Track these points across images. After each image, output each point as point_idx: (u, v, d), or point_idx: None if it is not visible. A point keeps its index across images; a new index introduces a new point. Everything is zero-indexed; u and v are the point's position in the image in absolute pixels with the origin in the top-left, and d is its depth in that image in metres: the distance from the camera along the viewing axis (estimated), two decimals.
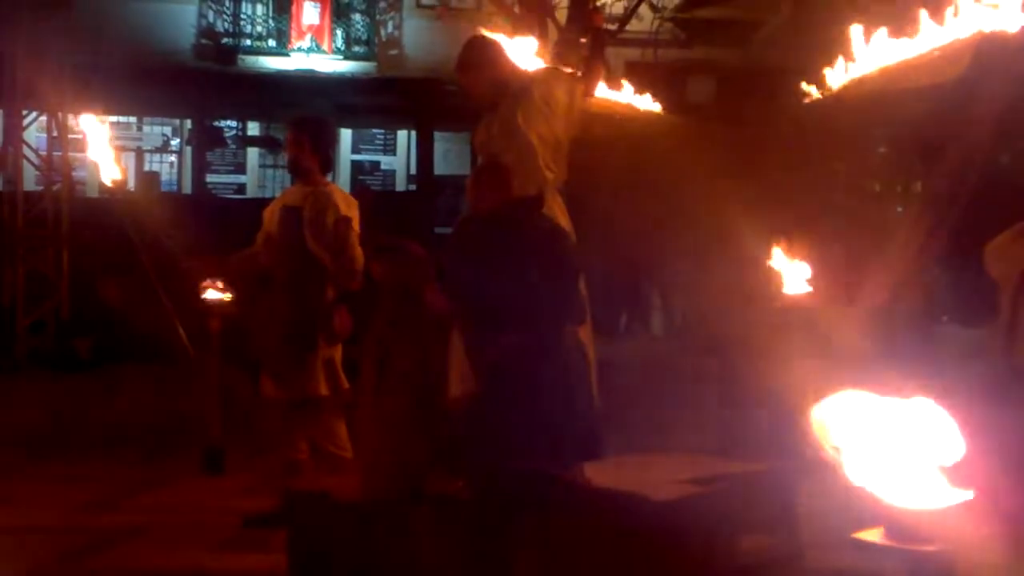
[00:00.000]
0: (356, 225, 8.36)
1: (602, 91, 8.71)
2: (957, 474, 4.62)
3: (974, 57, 7.25)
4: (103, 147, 9.38)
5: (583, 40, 9.26)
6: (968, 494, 4.60)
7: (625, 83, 9.69)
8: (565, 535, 5.87)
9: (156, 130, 29.32)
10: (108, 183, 9.51)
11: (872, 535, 4.70)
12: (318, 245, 8.27)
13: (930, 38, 6.17)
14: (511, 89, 7.91)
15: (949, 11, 5.96)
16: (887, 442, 4.56)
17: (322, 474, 7.99)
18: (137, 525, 8.43)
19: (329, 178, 8.89)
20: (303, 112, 9.18)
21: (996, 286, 7.00)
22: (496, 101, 7.92)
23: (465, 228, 6.95)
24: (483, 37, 8.33)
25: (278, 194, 9.94)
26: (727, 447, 8.64)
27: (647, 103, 9.17)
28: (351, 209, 8.38)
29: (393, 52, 28.32)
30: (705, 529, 6.23)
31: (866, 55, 6.65)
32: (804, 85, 8.78)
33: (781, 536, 6.83)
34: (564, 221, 7.64)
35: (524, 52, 8.66)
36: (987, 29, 5.72)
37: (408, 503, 6.27)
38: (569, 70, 8.69)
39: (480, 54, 8.01)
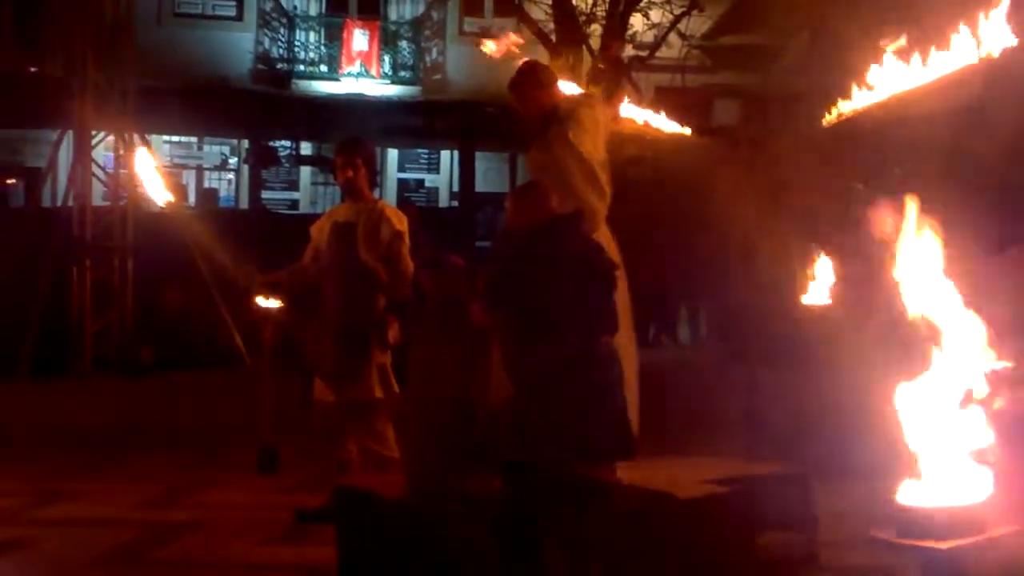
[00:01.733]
0: (407, 239, 8.41)
1: (633, 114, 8.72)
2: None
3: (985, 81, 7.22)
4: (154, 174, 9.44)
5: (601, 67, 9.24)
6: (980, 494, 4.59)
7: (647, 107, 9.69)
8: (596, 532, 5.87)
9: (215, 149, 29.46)
10: (162, 205, 9.56)
11: (887, 533, 4.69)
12: (372, 258, 8.31)
13: (943, 63, 6.14)
14: (560, 113, 7.93)
15: (962, 35, 5.93)
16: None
17: (369, 473, 8.01)
18: (196, 520, 8.45)
19: (376, 194, 8.93)
20: (351, 135, 9.19)
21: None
22: (545, 121, 7.91)
23: (504, 244, 6.95)
24: (536, 61, 8.38)
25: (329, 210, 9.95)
26: (750, 450, 8.63)
27: (677, 127, 9.16)
28: (402, 224, 8.42)
29: (437, 77, 28.41)
30: (727, 526, 6.22)
31: (881, 80, 6.64)
32: (823, 108, 8.76)
33: (799, 534, 6.81)
34: (611, 242, 7.66)
35: (563, 78, 8.68)
36: (996, 53, 5.70)
37: (449, 500, 6.27)
38: (601, 95, 8.71)
39: (533, 75, 8.03)
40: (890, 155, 11.34)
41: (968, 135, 9.64)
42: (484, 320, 6.47)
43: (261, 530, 8.13)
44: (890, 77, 6.10)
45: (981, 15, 5.44)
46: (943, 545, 4.48)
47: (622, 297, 7.32)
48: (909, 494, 4.62)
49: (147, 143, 18.21)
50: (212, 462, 10.44)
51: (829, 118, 7.61)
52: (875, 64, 6.14)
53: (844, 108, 6.76)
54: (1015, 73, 6.71)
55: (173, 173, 26.90)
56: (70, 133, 17.62)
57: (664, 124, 9.18)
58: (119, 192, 17.65)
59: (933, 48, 5.82)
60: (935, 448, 4.65)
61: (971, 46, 5.51)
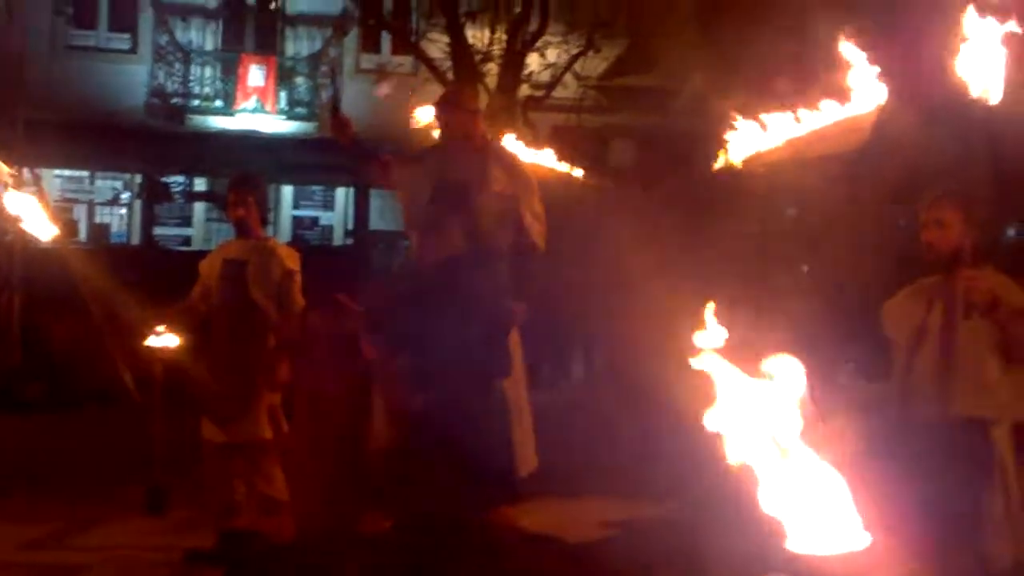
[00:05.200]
0: (299, 278, 8.36)
1: (529, 156, 8.77)
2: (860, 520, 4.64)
3: (874, 129, 7.35)
4: (36, 209, 9.31)
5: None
6: (869, 539, 4.63)
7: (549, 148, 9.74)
8: (485, 573, 5.85)
9: (107, 184, 29.14)
10: (46, 240, 9.42)
11: None
12: (263, 296, 8.26)
13: (833, 112, 6.25)
14: (495, 143, 7.98)
15: (854, 86, 6.04)
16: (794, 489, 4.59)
17: (258, 514, 7.92)
18: (84, 562, 8.33)
19: (269, 232, 8.88)
20: (243, 171, 9.11)
21: (892, 343, 7.08)
22: (466, 141, 7.92)
23: (403, 281, 6.94)
24: (464, 86, 8.47)
25: None
26: (641, 491, 8.64)
27: (569, 168, 9.23)
28: (294, 262, 8.38)
29: None
30: (617, 570, 6.23)
31: (773, 126, 6.73)
32: (716, 151, 8.86)
33: None
34: None
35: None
36: (883, 102, 5.80)
37: (340, 542, 6.23)
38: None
39: (460, 96, 8.13)
40: (781, 199, 11.48)
41: (855, 182, 9.79)
42: (369, 354, 6.43)
43: (150, 571, 8.03)
44: (780, 124, 6.18)
45: (868, 64, 5.54)
46: None
47: (513, 337, 7.32)
48: (801, 540, 4.65)
49: (37, 177, 17.92)
50: (100, 502, 10.28)
51: (720, 162, 7.70)
52: (763, 111, 6.22)
53: (733, 153, 6.84)
54: (898, 121, 6.84)
55: (64, 208, 26.59)
56: None
57: (556, 164, 9.24)
58: (5, 227, 17.35)
59: (823, 97, 5.91)
60: (823, 494, 4.68)
61: (860, 96, 5.60)
